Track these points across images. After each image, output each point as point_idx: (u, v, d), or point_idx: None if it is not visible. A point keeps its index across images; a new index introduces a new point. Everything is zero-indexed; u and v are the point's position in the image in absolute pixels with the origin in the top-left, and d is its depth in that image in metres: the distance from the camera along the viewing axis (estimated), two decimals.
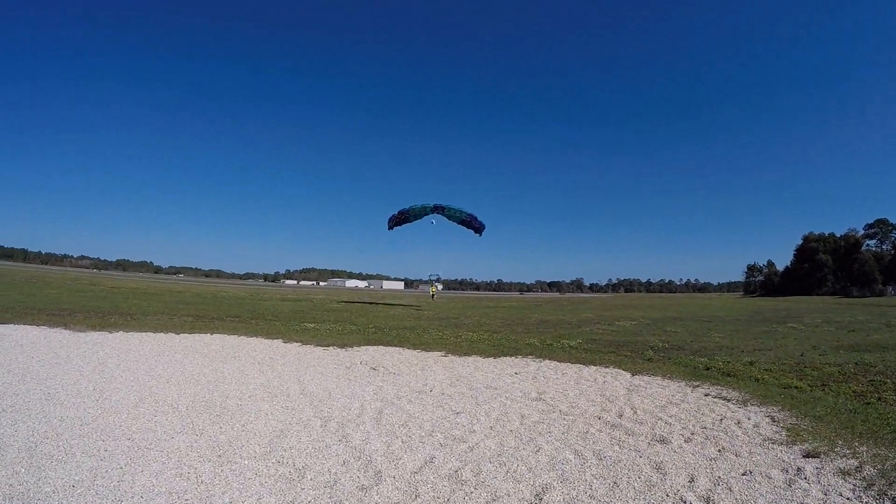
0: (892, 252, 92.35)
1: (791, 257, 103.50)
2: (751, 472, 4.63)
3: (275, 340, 13.53)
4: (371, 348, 12.76)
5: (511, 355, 12.17)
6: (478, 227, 31.37)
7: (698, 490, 4.27)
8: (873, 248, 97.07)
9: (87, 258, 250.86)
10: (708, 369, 10.20)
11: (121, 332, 13.45)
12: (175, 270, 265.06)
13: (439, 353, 12.17)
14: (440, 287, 32.07)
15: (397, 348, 12.99)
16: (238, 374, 8.55)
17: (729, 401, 7.46)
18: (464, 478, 4.45)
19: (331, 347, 12.63)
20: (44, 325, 13.46)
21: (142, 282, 68.90)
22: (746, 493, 4.22)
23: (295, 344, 13.02)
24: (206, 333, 14.19)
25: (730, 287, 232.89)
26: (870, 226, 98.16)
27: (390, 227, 32.20)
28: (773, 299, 63.35)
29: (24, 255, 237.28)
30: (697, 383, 8.84)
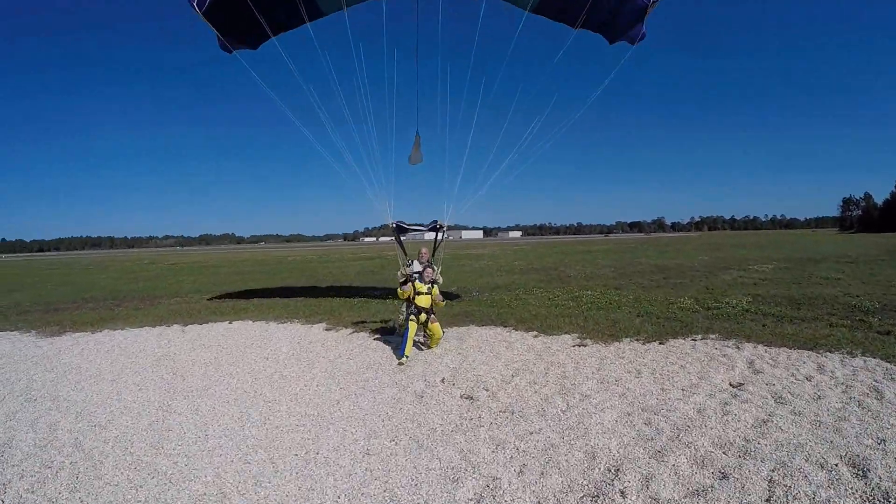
0: None
1: (891, 189, 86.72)
2: None
3: (315, 326, 9.22)
4: (453, 333, 7.98)
5: (681, 335, 7.06)
6: None
7: None
8: None
9: (171, 237, 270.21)
10: None
11: (107, 329, 9.73)
12: (257, 239, 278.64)
13: (571, 339, 7.18)
14: (437, 275, 7.12)
15: (497, 329, 8.15)
16: (194, 440, 4.08)
17: None
18: None
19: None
20: (14, 331, 10.07)
21: (211, 254, 69.56)
22: None
23: (343, 331, 8.61)
24: (225, 321, 10.17)
25: (818, 223, 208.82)
26: None
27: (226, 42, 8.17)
28: (881, 235, 53.35)
29: (110, 242, 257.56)
30: None
